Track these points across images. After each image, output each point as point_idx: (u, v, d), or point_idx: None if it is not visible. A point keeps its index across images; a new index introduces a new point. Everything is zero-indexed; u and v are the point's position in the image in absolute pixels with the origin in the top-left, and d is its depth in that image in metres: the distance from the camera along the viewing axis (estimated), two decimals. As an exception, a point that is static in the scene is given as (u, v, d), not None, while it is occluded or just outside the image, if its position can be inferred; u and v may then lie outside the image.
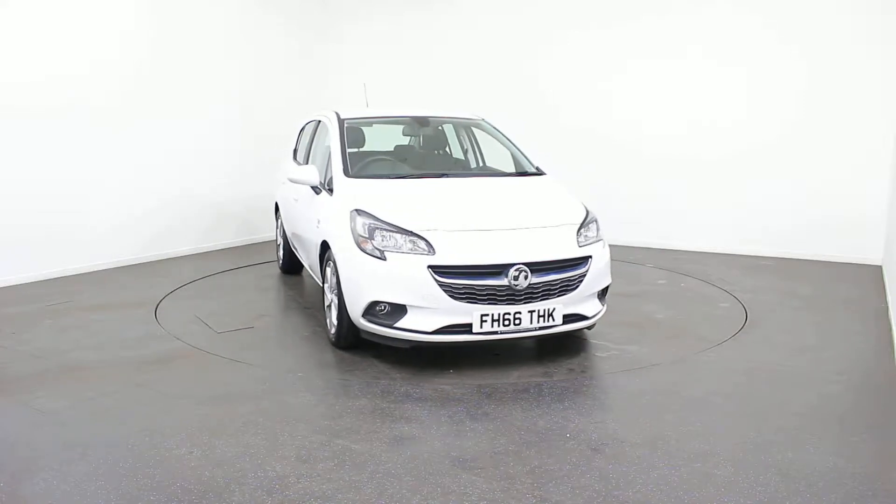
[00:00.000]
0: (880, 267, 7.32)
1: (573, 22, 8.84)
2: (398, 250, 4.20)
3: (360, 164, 5.44)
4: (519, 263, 4.12)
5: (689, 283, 6.68)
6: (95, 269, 7.05)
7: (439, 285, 4.08)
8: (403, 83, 9.67)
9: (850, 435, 3.40)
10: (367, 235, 4.29)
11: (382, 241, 4.25)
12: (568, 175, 8.95)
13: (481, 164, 6.07)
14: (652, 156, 8.55)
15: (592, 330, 4.91)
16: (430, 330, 4.12)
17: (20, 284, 6.37)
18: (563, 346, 4.74)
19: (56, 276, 6.69)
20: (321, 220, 4.97)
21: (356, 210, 4.46)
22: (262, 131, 8.96)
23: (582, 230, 4.56)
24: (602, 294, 4.70)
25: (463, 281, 4.10)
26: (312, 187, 5.30)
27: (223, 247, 8.52)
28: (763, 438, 3.34)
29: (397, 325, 4.18)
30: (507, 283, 4.10)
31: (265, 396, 3.86)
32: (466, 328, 4.12)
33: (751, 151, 8.02)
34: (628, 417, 3.58)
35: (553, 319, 4.26)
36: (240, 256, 8.00)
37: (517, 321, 4.16)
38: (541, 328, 4.25)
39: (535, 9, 9.04)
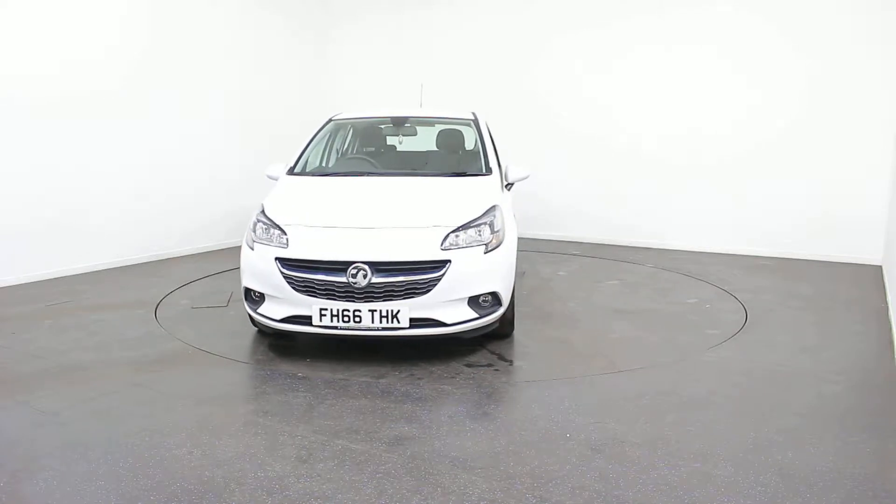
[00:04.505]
0: (880, 267, 7.33)
1: (574, 21, 8.85)
2: (267, 242, 4.45)
3: (328, 161, 5.72)
4: (359, 262, 4.15)
5: (719, 305, 5.85)
6: (95, 269, 7.06)
7: (283, 277, 4.30)
8: (403, 83, 9.67)
9: (850, 435, 3.40)
10: (252, 228, 4.63)
11: (262, 233, 4.53)
12: (568, 175, 9.02)
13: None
14: (652, 156, 8.56)
15: (508, 339, 4.84)
16: (278, 318, 4.37)
17: (20, 284, 6.37)
18: (445, 351, 4.56)
19: (56, 276, 6.69)
20: None
21: (262, 203, 4.82)
22: (263, 131, 8.97)
23: (459, 233, 4.35)
24: (490, 303, 4.40)
25: (303, 274, 4.26)
26: None
27: (225, 247, 8.52)
28: (763, 438, 3.34)
29: (259, 310, 4.49)
30: (346, 281, 4.15)
31: (265, 396, 3.86)
32: (307, 320, 4.27)
33: (751, 151, 8.03)
34: (628, 417, 3.58)
35: (398, 322, 4.17)
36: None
37: (357, 319, 4.18)
38: (384, 329, 4.19)
39: (536, 9, 9.04)
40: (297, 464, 3.06)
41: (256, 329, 4.97)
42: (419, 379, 4.12)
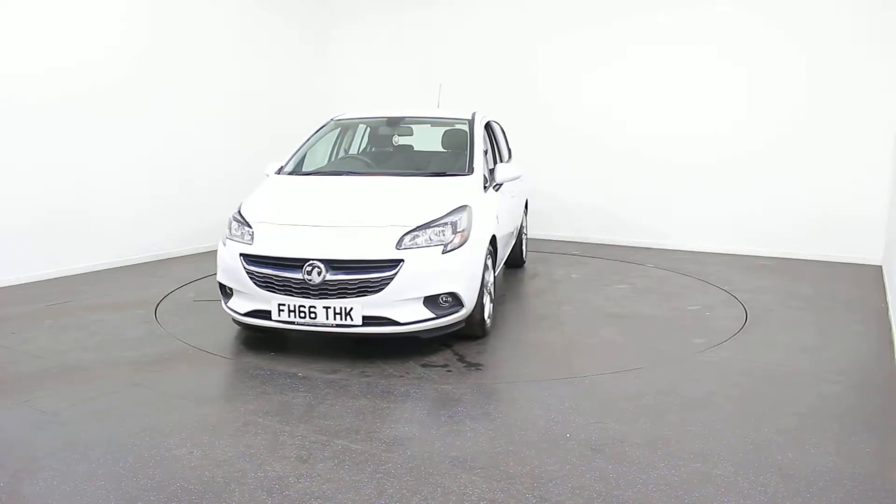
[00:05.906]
0: (880, 267, 7.33)
1: (574, 21, 8.84)
2: (238, 239, 4.58)
3: (326, 162, 5.86)
4: (314, 259, 4.22)
5: (719, 307, 5.77)
6: (95, 269, 7.05)
7: (246, 272, 4.43)
8: (403, 83, 9.67)
9: (850, 435, 3.40)
10: (227, 225, 4.77)
11: (235, 230, 4.66)
12: (568, 175, 9.02)
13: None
14: (652, 156, 8.55)
15: (479, 341, 4.76)
16: (243, 312, 4.52)
17: (20, 284, 6.37)
18: (402, 350, 4.55)
19: (56, 276, 6.68)
20: None
21: (241, 202, 4.96)
22: (263, 131, 8.96)
23: (418, 232, 4.35)
24: (450, 303, 4.36)
25: (263, 270, 4.38)
26: None
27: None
28: (763, 438, 3.34)
29: (228, 304, 4.65)
30: (302, 277, 4.23)
31: (265, 396, 3.86)
32: (268, 315, 4.38)
33: (751, 152, 8.03)
34: (628, 417, 3.58)
35: (351, 319, 4.22)
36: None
37: (312, 315, 4.25)
38: (338, 326, 4.25)
39: (536, 9, 9.04)
40: (297, 464, 3.06)
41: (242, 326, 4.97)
42: (368, 377, 4.13)
